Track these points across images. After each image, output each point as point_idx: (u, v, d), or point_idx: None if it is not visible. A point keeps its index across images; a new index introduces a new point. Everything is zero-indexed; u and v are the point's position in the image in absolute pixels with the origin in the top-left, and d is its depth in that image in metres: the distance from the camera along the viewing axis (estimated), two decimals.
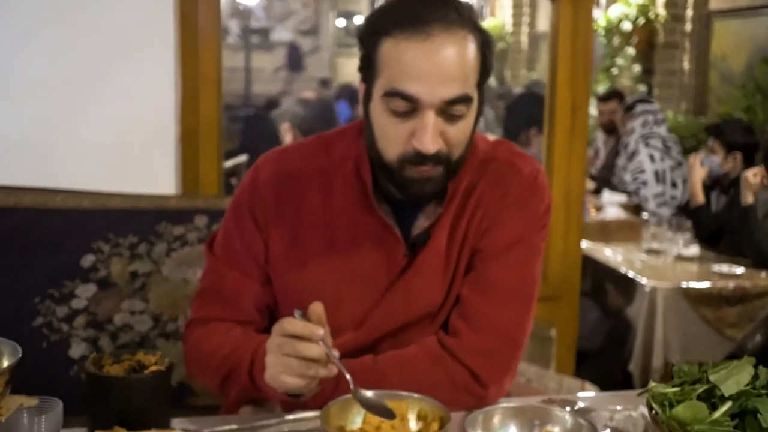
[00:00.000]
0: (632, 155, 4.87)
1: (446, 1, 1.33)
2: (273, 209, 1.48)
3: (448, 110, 1.31)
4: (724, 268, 3.51)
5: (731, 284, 3.37)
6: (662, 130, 4.93)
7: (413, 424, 1.26)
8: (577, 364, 2.94)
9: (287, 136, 3.34)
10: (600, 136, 5.72)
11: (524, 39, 9.47)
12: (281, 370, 1.25)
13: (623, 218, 4.27)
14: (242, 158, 4.51)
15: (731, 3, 6.13)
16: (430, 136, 1.30)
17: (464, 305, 1.44)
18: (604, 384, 2.38)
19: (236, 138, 5.43)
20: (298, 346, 1.22)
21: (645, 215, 4.50)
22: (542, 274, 2.72)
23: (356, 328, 1.45)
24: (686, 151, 5.10)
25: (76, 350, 2.01)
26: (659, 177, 4.74)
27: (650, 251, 3.83)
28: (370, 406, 1.22)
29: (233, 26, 11.05)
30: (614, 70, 6.92)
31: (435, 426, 1.22)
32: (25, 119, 2.28)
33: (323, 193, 1.47)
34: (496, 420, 1.26)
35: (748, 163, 3.89)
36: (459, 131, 1.35)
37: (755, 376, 1.17)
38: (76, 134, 2.30)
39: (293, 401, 1.34)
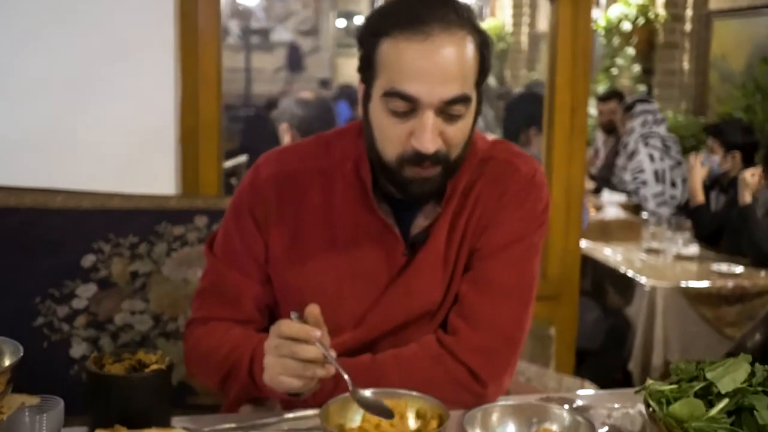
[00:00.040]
0: (632, 155, 4.88)
1: (445, 1, 1.34)
2: (273, 209, 1.49)
3: (447, 110, 1.32)
4: (724, 267, 3.52)
5: (730, 283, 3.38)
6: (662, 129, 4.93)
7: (412, 422, 1.26)
8: (577, 363, 2.95)
9: (285, 137, 3.34)
10: (600, 136, 5.73)
11: (524, 39, 9.47)
12: (279, 371, 1.26)
13: (623, 218, 4.28)
14: (242, 158, 4.51)
15: (731, 3, 6.14)
16: (429, 135, 1.31)
17: (463, 304, 1.44)
18: (604, 383, 2.38)
19: (236, 138, 5.44)
20: (296, 348, 1.23)
21: (644, 215, 4.51)
22: (542, 273, 2.74)
23: (356, 327, 1.46)
24: (686, 151, 5.11)
25: (77, 350, 2.02)
26: (659, 176, 4.75)
27: (650, 251, 3.84)
28: (369, 406, 1.23)
29: (233, 26, 11.05)
30: (614, 70, 6.92)
31: (434, 424, 1.23)
32: (26, 120, 2.29)
33: (323, 193, 1.48)
34: (494, 418, 1.27)
35: (748, 162, 3.90)
36: (458, 131, 1.35)
37: (752, 374, 1.17)
38: (76, 135, 2.31)
39: (293, 400, 1.35)
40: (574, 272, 2.84)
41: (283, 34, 11.89)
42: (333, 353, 1.26)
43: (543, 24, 8.91)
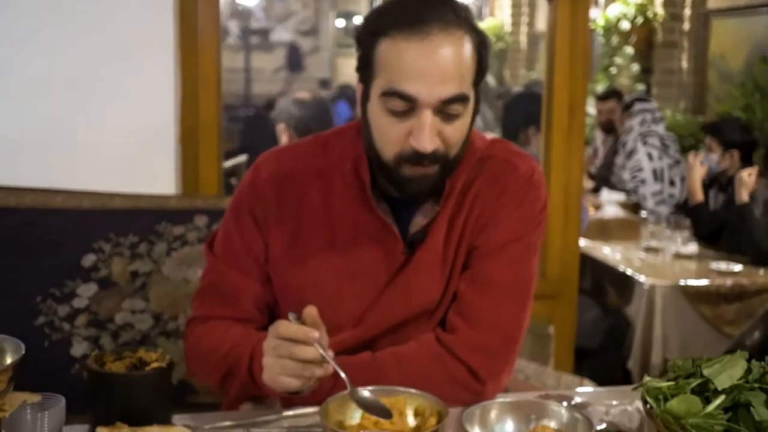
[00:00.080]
0: (630, 154, 4.88)
1: (444, 1, 1.35)
2: (273, 209, 1.49)
3: (445, 109, 1.33)
4: (722, 265, 3.53)
5: (729, 281, 3.39)
6: (660, 128, 4.94)
7: (411, 419, 1.27)
8: (577, 362, 2.96)
9: (283, 137, 3.34)
10: (599, 136, 5.74)
11: (523, 39, 9.48)
12: (278, 372, 1.27)
13: (622, 217, 4.29)
14: (242, 158, 4.52)
15: (729, 2, 6.14)
16: (427, 135, 1.32)
17: (461, 302, 1.45)
18: (604, 382, 2.38)
19: (236, 138, 5.44)
20: (294, 349, 1.25)
21: (643, 213, 4.52)
22: (541, 271, 2.75)
23: (355, 325, 1.46)
24: (685, 150, 5.12)
25: (78, 349, 2.03)
26: (657, 175, 4.76)
27: (649, 249, 3.85)
28: (367, 406, 1.23)
29: (233, 27, 11.05)
30: (613, 70, 6.93)
31: (432, 421, 1.23)
32: (26, 119, 2.30)
33: (322, 193, 1.49)
34: (493, 415, 1.27)
35: (746, 161, 3.91)
36: (456, 130, 1.36)
37: (748, 370, 1.18)
38: (76, 135, 2.32)
39: (292, 398, 1.36)
40: (573, 271, 2.85)
41: (282, 34, 11.89)
42: (331, 353, 1.27)
43: (542, 24, 8.92)
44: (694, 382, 1.18)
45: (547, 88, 2.79)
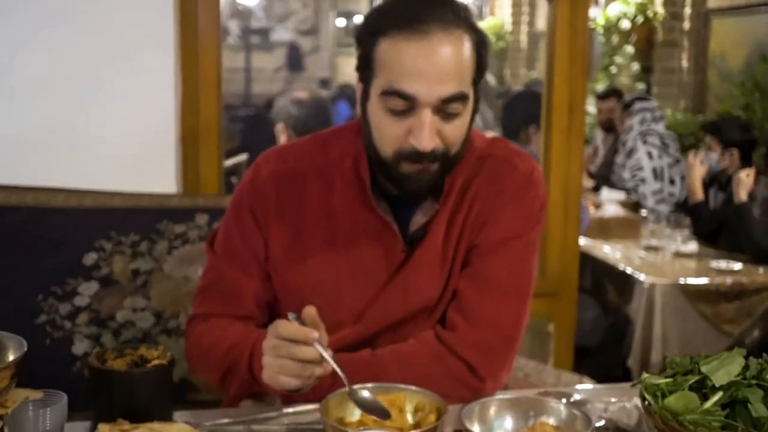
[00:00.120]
0: (630, 152, 4.89)
1: (443, 1, 1.36)
2: (273, 207, 1.50)
3: (444, 108, 1.34)
4: (722, 264, 3.53)
5: (729, 280, 3.39)
6: (660, 127, 4.94)
7: (410, 416, 1.28)
8: (577, 361, 2.96)
9: (282, 137, 3.35)
10: (599, 135, 5.74)
11: (523, 38, 9.48)
12: (278, 371, 1.28)
13: (622, 215, 4.29)
14: (242, 157, 4.53)
15: (730, 1, 6.15)
16: (426, 134, 1.33)
17: (461, 300, 1.46)
18: (604, 380, 2.39)
19: (236, 137, 5.44)
20: (294, 350, 1.25)
21: (643, 212, 4.53)
22: (541, 270, 2.76)
23: (355, 323, 1.47)
24: (685, 149, 5.12)
25: (79, 347, 2.03)
26: (657, 174, 4.76)
27: (649, 248, 3.85)
28: (366, 407, 1.24)
29: (233, 26, 11.06)
30: (613, 69, 6.93)
31: (432, 417, 1.24)
32: (27, 119, 2.30)
33: (322, 191, 1.49)
34: (492, 411, 1.28)
35: (746, 160, 3.91)
36: (455, 129, 1.37)
37: (746, 367, 1.19)
38: (77, 134, 2.32)
39: (293, 395, 1.37)
40: (573, 269, 2.85)
41: (282, 34, 11.90)
42: (330, 352, 1.28)
43: (542, 23, 8.92)
44: (692, 379, 1.19)
45: (547, 88, 2.80)
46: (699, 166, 3.91)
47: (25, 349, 1.18)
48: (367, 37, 1.38)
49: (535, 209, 1.51)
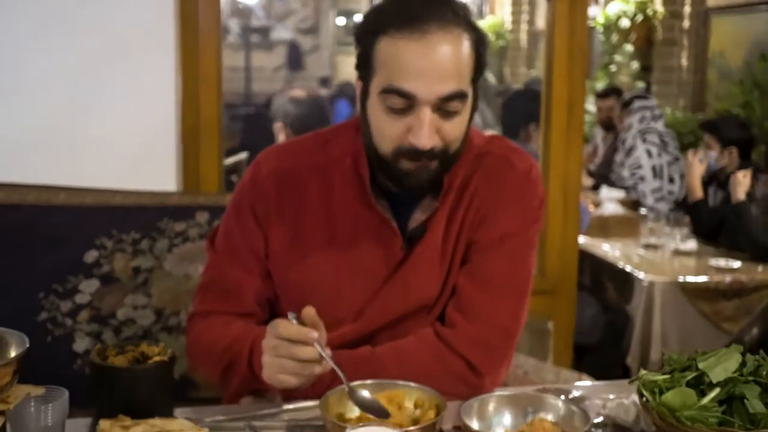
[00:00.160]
0: (630, 151, 4.89)
1: (442, 0, 1.36)
2: (273, 205, 1.51)
3: (443, 106, 1.34)
4: (721, 262, 3.54)
5: (728, 278, 3.40)
6: (659, 125, 4.95)
7: (410, 412, 1.28)
8: (576, 358, 2.97)
9: (280, 135, 3.35)
10: (598, 133, 5.74)
11: (523, 36, 9.47)
12: (278, 371, 1.29)
13: (621, 214, 4.29)
14: (242, 156, 4.53)
15: (729, 0, 6.15)
16: (426, 132, 1.34)
17: (460, 297, 1.47)
18: (604, 378, 2.39)
19: (236, 136, 5.44)
20: (293, 349, 1.26)
21: (643, 210, 4.53)
22: (540, 268, 2.76)
23: (355, 320, 1.48)
24: (684, 148, 5.12)
25: (80, 344, 2.04)
26: (656, 172, 4.77)
27: (648, 246, 3.86)
28: (365, 406, 1.25)
29: (233, 25, 11.05)
30: (613, 67, 6.94)
31: (431, 414, 1.25)
32: (28, 118, 2.31)
33: (322, 189, 1.50)
34: (490, 407, 1.29)
35: (745, 158, 3.92)
36: (454, 127, 1.38)
37: (743, 363, 1.20)
38: (78, 133, 2.33)
39: (293, 392, 1.37)
40: (572, 267, 2.86)
41: (283, 33, 11.88)
42: (329, 351, 1.28)
43: (542, 21, 8.91)
44: (690, 375, 1.20)
45: (546, 86, 2.81)
46: (698, 164, 3.92)
47: (27, 345, 1.18)
48: (366, 36, 1.38)
49: (533, 207, 1.51)
